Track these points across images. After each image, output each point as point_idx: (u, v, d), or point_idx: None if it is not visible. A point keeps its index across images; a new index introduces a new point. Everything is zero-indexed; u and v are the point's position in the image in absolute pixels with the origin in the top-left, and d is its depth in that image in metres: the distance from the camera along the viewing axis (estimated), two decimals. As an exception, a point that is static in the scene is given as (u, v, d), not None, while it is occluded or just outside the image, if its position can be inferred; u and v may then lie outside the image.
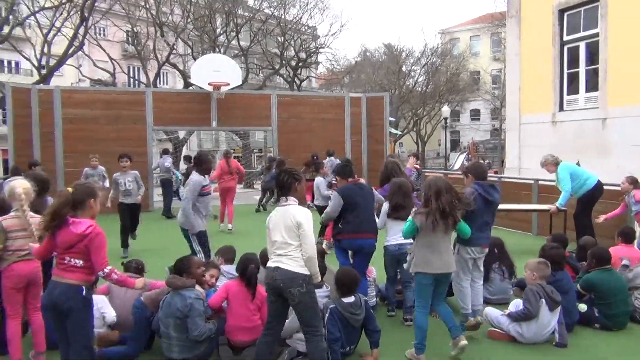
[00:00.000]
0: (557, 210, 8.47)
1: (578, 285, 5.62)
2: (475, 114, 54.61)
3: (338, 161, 14.37)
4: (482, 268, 5.32)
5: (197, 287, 4.75)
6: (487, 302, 5.79)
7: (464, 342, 4.62)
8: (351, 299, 4.58)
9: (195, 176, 6.61)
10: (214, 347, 4.75)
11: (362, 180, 6.07)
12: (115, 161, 9.54)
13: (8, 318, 4.47)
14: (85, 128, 14.66)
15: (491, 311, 5.32)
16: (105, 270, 3.80)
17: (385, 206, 5.78)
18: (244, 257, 5.00)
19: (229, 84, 15.40)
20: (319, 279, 4.20)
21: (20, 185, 4.59)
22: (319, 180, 9.43)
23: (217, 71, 15.18)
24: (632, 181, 7.99)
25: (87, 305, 3.89)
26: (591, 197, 8.40)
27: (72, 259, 3.79)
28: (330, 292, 5.05)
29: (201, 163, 6.81)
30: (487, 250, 5.30)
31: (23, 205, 4.45)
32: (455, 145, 54.03)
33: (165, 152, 15.58)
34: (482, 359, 4.77)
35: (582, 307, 5.44)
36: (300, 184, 4.24)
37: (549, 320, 4.97)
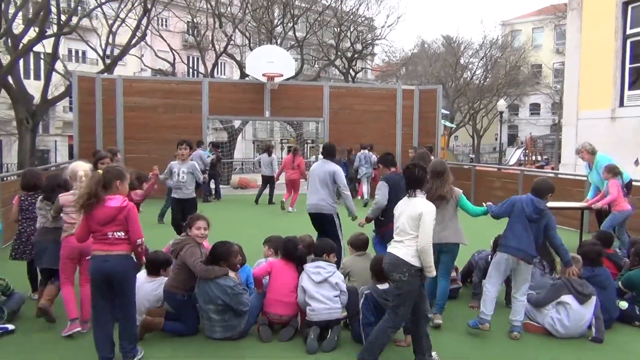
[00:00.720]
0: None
1: (619, 283, 5.55)
2: (534, 109, 53.10)
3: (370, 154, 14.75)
4: (524, 285, 5.11)
5: (231, 273, 5.02)
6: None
7: (438, 320, 5.16)
8: (385, 285, 4.72)
9: (336, 166, 6.94)
10: (252, 323, 5.05)
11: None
12: (172, 148, 9.70)
13: (62, 284, 5.06)
14: (144, 116, 15.29)
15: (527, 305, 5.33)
16: (141, 239, 4.32)
17: None
18: (287, 239, 5.34)
19: (282, 75, 15.69)
20: (433, 273, 4.27)
21: (82, 167, 5.11)
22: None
23: (271, 62, 15.50)
24: (610, 169, 7.81)
25: (136, 272, 4.41)
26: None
27: (116, 232, 4.21)
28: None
29: (333, 153, 7.15)
30: (524, 263, 5.04)
31: (82, 186, 4.80)
32: (512, 139, 52.78)
33: (199, 144, 15.66)
34: (517, 350, 4.82)
35: (623, 304, 5.38)
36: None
37: (580, 313, 4.97)
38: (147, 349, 4.60)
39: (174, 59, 28.66)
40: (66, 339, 4.89)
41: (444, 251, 5.31)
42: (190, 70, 38.45)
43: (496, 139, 47.96)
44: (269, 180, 14.90)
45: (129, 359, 4.34)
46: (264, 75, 15.48)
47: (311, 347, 4.65)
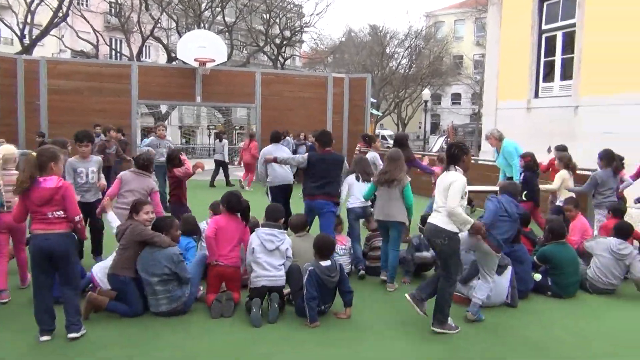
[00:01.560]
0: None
1: (535, 257, 6.13)
2: (456, 98, 55.17)
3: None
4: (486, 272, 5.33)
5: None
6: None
7: (390, 289, 6.01)
8: (327, 262, 5.02)
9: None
10: (195, 294, 5.31)
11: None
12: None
13: None
14: (69, 99, 14.81)
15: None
16: (79, 216, 4.52)
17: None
18: (229, 193, 5.60)
19: (214, 61, 15.62)
20: (468, 226, 4.74)
21: (3, 150, 5.46)
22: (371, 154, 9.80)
23: (202, 47, 15.39)
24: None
25: (76, 248, 4.59)
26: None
27: (55, 212, 4.37)
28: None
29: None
30: (497, 256, 5.26)
31: None
32: (435, 128, 54.62)
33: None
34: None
35: (537, 276, 5.96)
36: (468, 156, 4.96)
37: (500, 283, 5.48)
38: (92, 330, 4.67)
39: (97, 40, 27.65)
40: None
41: (392, 227, 6.08)
42: (114, 52, 37.17)
43: (420, 127, 49.57)
44: (220, 164, 15.43)
45: (73, 332, 4.48)
46: (195, 60, 15.36)
47: (256, 321, 4.89)
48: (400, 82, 42.82)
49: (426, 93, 36.53)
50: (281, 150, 8.08)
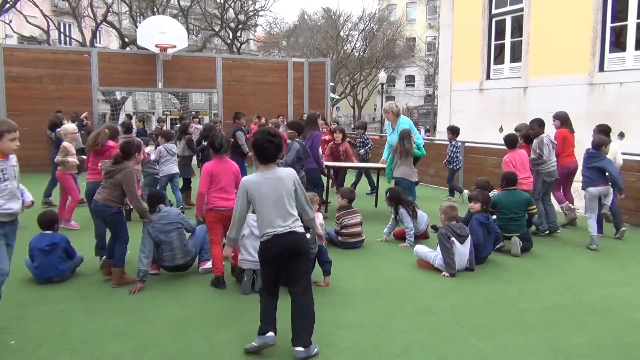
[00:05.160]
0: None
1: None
2: (410, 80, 56.17)
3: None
4: None
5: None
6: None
7: None
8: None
9: None
10: (198, 251, 5.94)
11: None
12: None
13: None
14: (28, 87, 14.69)
15: (420, 248, 6.37)
16: None
17: None
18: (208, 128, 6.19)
19: (175, 46, 15.71)
20: None
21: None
22: None
23: (163, 33, 15.46)
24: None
25: None
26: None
27: None
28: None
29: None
30: None
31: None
32: (390, 110, 55.43)
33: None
34: (415, 282, 5.80)
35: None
36: None
37: (462, 251, 6.05)
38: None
39: (48, 25, 27.04)
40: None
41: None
42: (62, 37, 36.25)
43: (375, 110, 50.34)
44: None
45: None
46: (156, 46, 15.41)
47: (245, 289, 5.36)
48: (355, 65, 43.31)
49: (382, 76, 37.18)
50: None
